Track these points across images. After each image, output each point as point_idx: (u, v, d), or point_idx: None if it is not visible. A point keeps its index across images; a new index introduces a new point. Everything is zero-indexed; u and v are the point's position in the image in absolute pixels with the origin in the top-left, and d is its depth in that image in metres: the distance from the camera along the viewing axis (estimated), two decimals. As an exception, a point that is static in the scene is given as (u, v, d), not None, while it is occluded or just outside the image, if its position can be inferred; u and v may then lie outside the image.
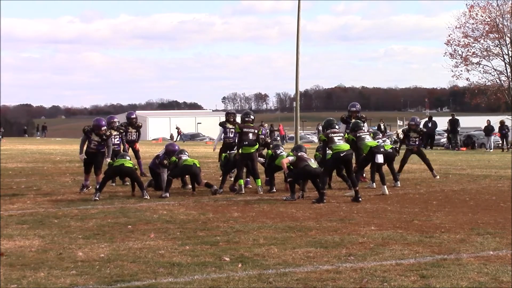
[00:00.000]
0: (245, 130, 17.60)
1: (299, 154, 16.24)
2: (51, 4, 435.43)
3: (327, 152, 16.37)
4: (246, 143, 17.51)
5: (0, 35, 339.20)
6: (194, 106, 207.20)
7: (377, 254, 9.49)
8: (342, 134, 16.49)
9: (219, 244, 10.39)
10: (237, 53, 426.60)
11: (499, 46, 55.24)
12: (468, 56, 55.62)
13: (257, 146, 17.79)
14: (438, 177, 20.64)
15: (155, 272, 8.53)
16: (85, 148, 17.94)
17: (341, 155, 15.76)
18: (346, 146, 16.02)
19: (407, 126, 22.05)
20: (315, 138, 72.62)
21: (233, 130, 19.84)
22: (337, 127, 16.60)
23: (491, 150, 42.73)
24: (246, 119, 17.97)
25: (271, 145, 19.01)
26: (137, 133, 21.68)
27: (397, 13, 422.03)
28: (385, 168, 18.01)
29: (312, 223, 12.34)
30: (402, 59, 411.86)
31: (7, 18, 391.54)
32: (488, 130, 44.90)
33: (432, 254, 9.53)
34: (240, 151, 17.55)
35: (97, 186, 16.64)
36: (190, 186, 17.88)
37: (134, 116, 21.98)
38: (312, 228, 11.72)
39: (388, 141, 19.68)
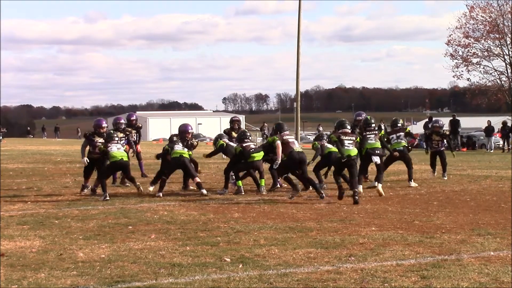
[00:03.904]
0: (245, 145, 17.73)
1: (284, 137, 16.56)
2: (55, 4, 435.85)
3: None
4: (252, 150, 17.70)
5: (0, 36, 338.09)
6: (195, 107, 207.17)
7: (378, 255, 9.49)
8: (354, 138, 16.49)
9: (220, 244, 10.39)
10: (240, 54, 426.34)
11: (499, 46, 55.18)
12: (468, 57, 55.54)
13: (262, 154, 17.78)
14: (446, 178, 20.61)
15: (155, 272, 8.53)
16: (86, 151, 17.98)
17: (343, 160, 15.94)
18: (354, 152, 16.17)
19: (430, 128, 22.00)
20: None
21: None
22: (348, 127, 16.78)
23: (492, 151, 42.76)
24: (245, 140, 17.99)
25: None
26: (138, 134, 21.60)
27: (400, 14, 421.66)
28: (395, 167, 18.05)
29: (312, 223, 12.35)
30: (404, 59, 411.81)
31: (11, 19, 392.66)
32: (489, 130, 44.92)
33: (432, 254, 9.53)
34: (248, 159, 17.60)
35: (102, 187, 16.67)
36: (191, 187, 17.90)
37: (134, 117, 21.87)
38: (313, 229, 11.72)
39: (403, 140, 19.51)
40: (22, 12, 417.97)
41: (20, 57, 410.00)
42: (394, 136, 19.55)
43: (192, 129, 18.20)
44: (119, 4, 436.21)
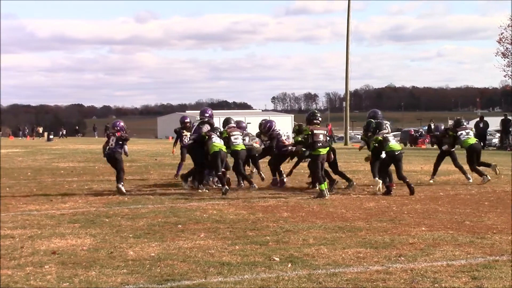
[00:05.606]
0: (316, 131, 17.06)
1: (228, 130, 18.65)
2: (106, 4, 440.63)
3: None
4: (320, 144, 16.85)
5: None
6: (244, 106, 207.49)
7: (428, 255, 9.42)
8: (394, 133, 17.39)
9: (269, 244, 10.39)
10: (289, 53, 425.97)
11: (552, 44, 54.35)
12: (520, 55, 54.78)
13: (327, 148, 17.30)
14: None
15: (205, 271, 8.57)
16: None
17: (396, 154, 16.93)
18: (399, 146, 17.52)
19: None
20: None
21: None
22: (388, 127, 17.86)
23: (544, 150, 42.08)
24: (315, 120, 17.32)
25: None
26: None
27: (452, 13, 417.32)
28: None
29: (362, 223, 12.30)
30: (454, 59, 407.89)
31: (63, 20, 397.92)
32: (541, 130, 44.24)
33: (483, 255, 9.43)
34: (313, 153, 16.80)
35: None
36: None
37: (188, 120, 22.32)
38: (362, 229, 11.67)
39: (471, 134, 19.46)
40: (74, 12, 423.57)
41: (71, 57, 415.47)
42: (463, 132, 19.50)
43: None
44: (169, 4, 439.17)
